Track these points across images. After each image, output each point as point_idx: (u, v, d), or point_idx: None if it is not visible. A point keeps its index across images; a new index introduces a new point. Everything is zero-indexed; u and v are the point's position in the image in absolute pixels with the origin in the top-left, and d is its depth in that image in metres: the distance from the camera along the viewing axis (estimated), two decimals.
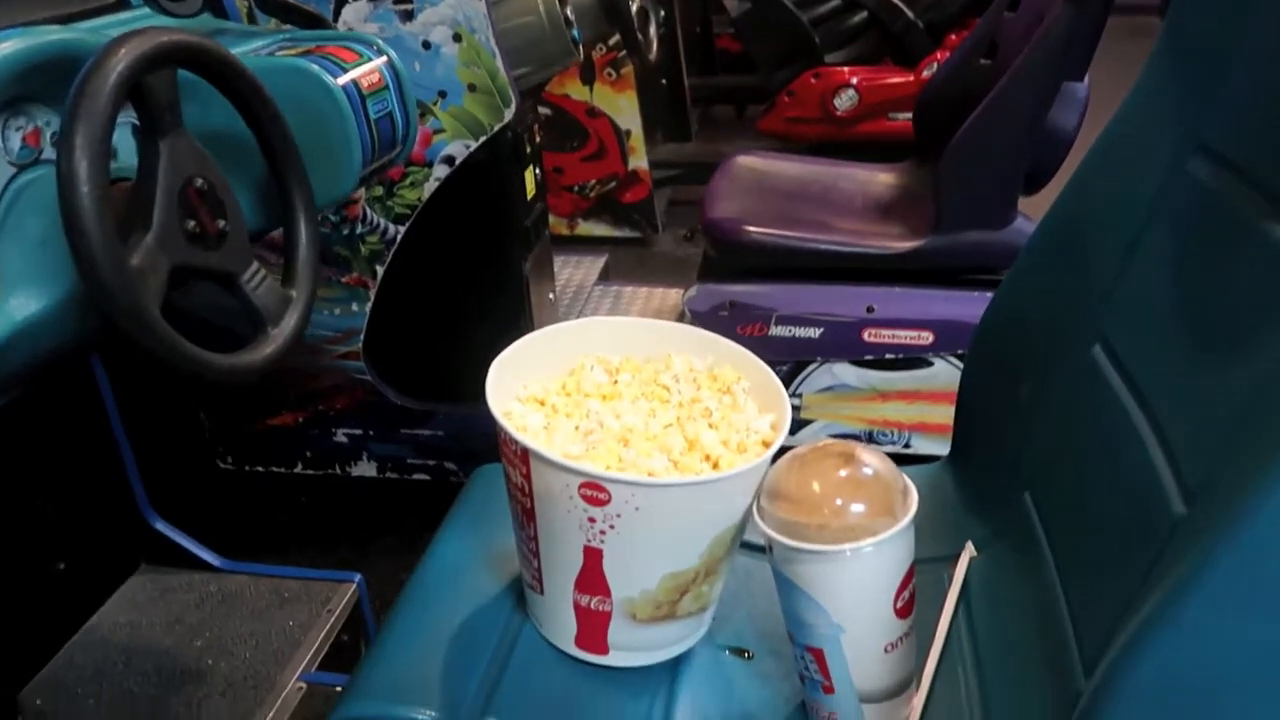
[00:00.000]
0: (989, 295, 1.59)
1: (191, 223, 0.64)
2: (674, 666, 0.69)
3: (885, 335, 1.61)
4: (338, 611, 1.20)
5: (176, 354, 0.59)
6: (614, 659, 0.67)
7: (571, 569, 0.63)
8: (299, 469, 1.75)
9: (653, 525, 0.59)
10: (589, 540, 0.61)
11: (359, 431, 1.71)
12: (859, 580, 0.59)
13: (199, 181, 0.65)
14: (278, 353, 0.71)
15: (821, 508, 0.59)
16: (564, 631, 0.67)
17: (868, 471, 0.60)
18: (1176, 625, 0.40)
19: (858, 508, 0.58)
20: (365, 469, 1.73)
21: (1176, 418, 0.52)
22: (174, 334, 0.59)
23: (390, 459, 1.72)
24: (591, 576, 0.62)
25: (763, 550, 0.64)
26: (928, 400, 1.66)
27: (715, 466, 0.62)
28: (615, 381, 0.70)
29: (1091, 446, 0.63)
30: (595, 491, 0.58)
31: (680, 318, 1.71)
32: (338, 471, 1.74)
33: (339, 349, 1.64)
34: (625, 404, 0.68)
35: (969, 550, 0.76)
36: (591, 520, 0.59)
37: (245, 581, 1.25)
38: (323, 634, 1.18)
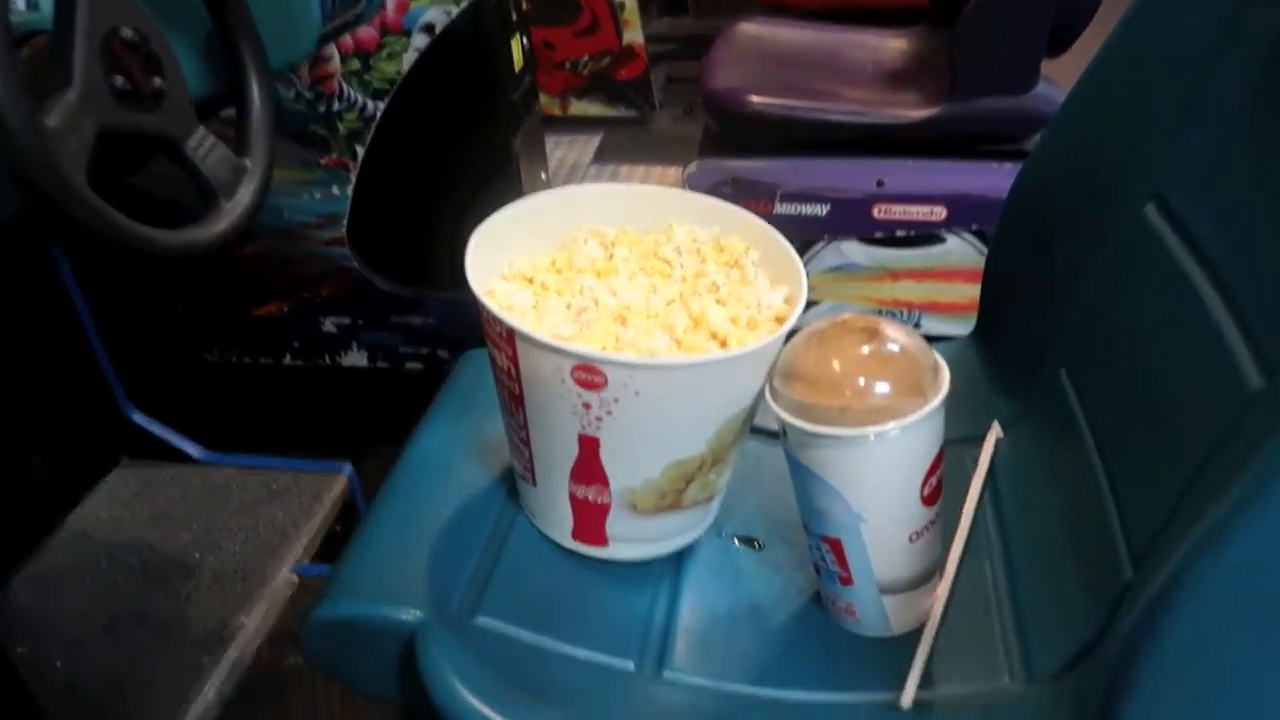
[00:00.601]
0: (1007, 166, 1.52)
1: (120, 79, 0.56)
2: (678, 558, 0.65)
3: (896, 211, 1.53)
4: (329, 503, 1.16)
5: (110, 227, 0.52)
6: (614, 551, 0.63)
7: (566, 459, 0.57)
8: (287, 360, 1.69)
9: (655, 410, 0.54)
10: (584, 428, 0.55)
11: (347, 320, 1.65)
12: (883, 466, 0.54)
13: (127, 32, 0.56)
14: (232, 228, 0.64)
15: (842, 388, 0.53)
16: (559, 524, 0.62)
17: (893, 348, 0.54)
18: (1265, 512, 0.35)
19: (882, 387, 0.52)
20: (356, 359, 1.67)
21: (1253, 281, 0.46)
22: (105, 205, 0.52)
23: (381, 348, 1.66)
24: (588, 466, 0.57)
25: (775, 435, 0.58)
26: (939, 278, 1.59)
27: (723, 345, 0.56)
28: (611, 255, 0.64)
29: (1142, 317, 0.56)
30: (589, 375, 0.52)
31: None
32: (327, 362, 1.68)
33: (322, 234, 1.56)
34: (622, 280, 0.61)
35: (995, 430, 0.71)
36: (586, 406, 0.54)
37: (231, 475, 1.21)
38: (314, 526, 1.14)
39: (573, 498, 0.60)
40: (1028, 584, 0.59)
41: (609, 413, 0.53)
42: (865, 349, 0.54)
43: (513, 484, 0.68)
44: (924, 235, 1.56)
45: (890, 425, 0.52)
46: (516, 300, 0.59)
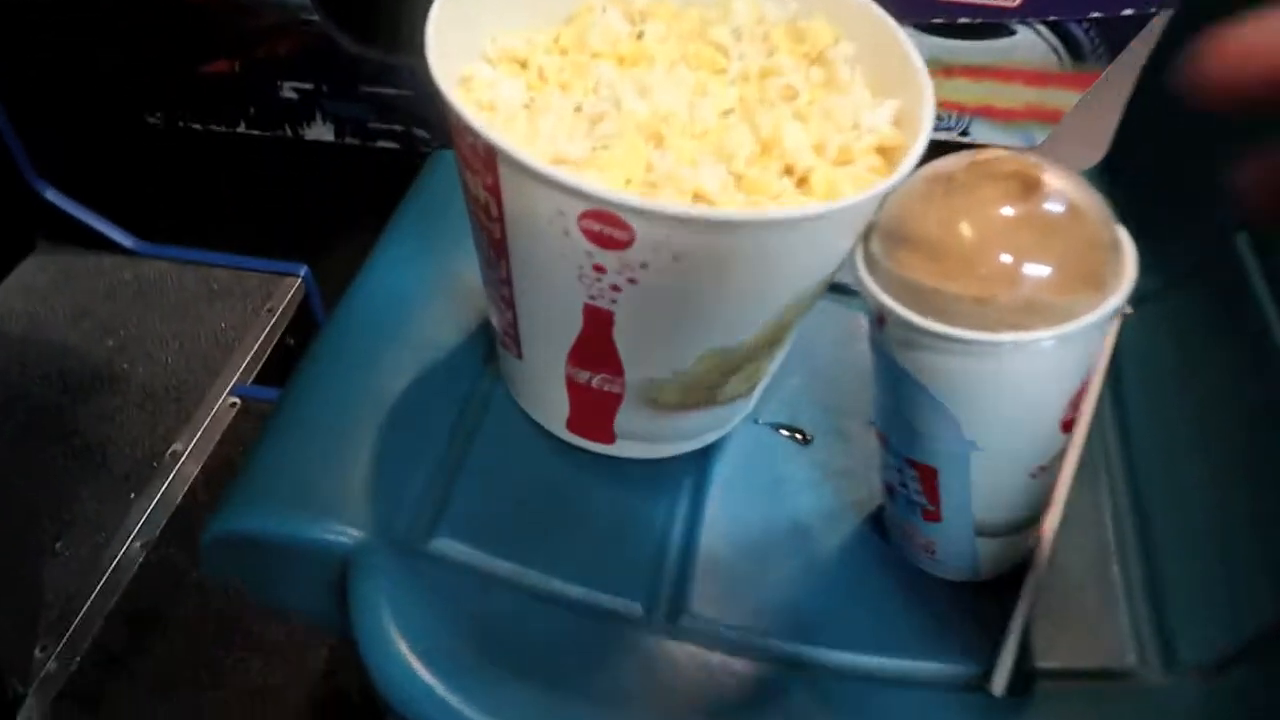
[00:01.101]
0: None
1: None
2: (701, 455, 0.50)
3: None
4: (280, 310, 1.00)
5: None
6: (621, 449, 0.47)
7: (564, 334, 0.41)
8: (242, 128, 1.47)
9: (698, 282, 0.36)
10: (593, 298, 0.38)
11: (309, 86, 1.41)
12: (1020, 386, 0.37)
13: None
14: None
15: (977, 266, 0.35)
16: (551, 409, 0.47)
17: (1058, 208, 0.36)
18: None
19: (1038, 270, 0.35)
20: (321, 132, 1.45)
21: None
22: None
23: (349, 121, 1.44)
24: (595, 348, 0.41)
25: (841, 290, 0.42)
26: (999, 78, 1.36)
27: (804, 185, 0.38)
28: (640, 35, 0.44)
29: None
30: (607, 226, 0.34)
31: None
32: (288, 134, 1.46)
33: None
34: (657, 73, 0.42)
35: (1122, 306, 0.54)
36: (599, 270, 0.36)
37: (167, 269, 1.03)
38: (261, 337, 0.98)
39: (570, 382, 0.43)
40: (1169, 534, 0.45)
41: (631, 281, 0.36)
42: (1017, 208, 0.36)
43: (491, 343, 0.51)
44: (990, 24, 1.32)
45: (1044, 333, 0.35)
46: (502, 96, 0.41)
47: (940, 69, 1.40)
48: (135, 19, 1.35)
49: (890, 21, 0.42)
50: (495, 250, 0.40)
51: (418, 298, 0.52)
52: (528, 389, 0.47)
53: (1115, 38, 1.31)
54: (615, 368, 0.41)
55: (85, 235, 1.03)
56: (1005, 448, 0.40)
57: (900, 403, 0.41)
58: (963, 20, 1.31)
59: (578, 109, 0.40)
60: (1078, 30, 1.31)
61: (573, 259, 0.36)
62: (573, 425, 0.47)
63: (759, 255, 0.36)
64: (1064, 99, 1.36)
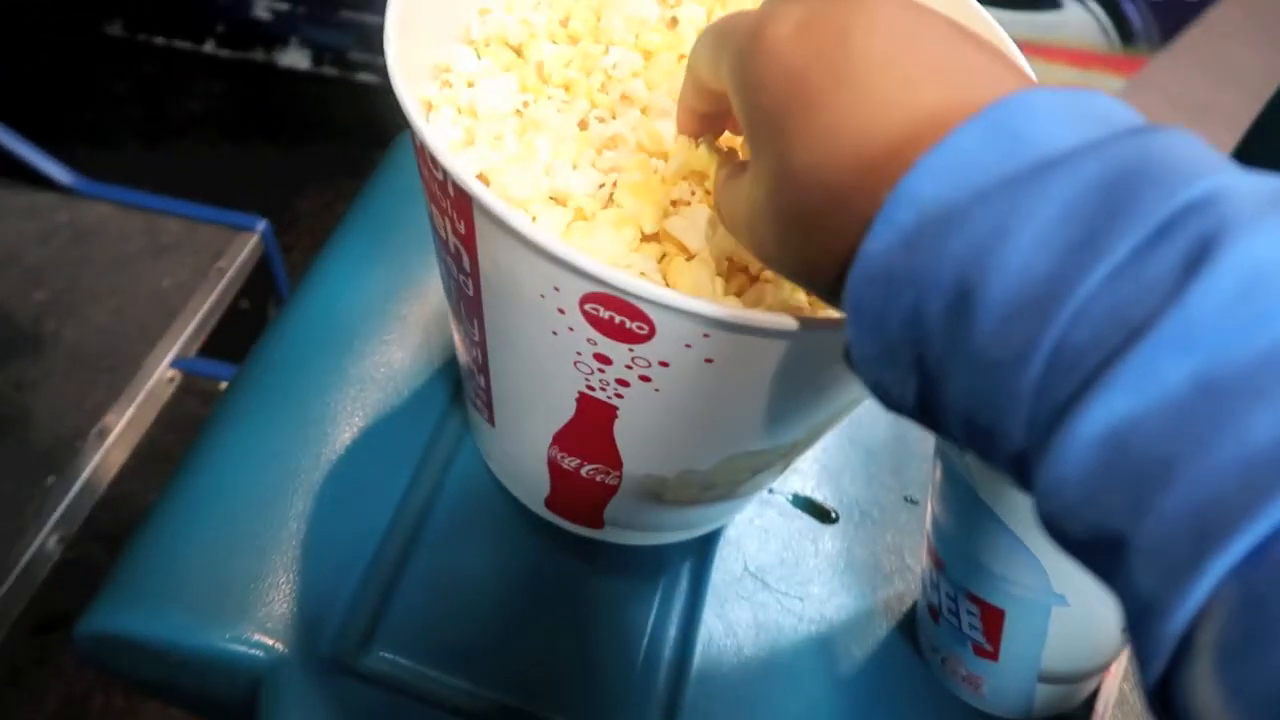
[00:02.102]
0: None
1: None
2: (702, 538, 0.41)
3: None
4: (231, 270, 0.89)
5: None
6: (610, 535, 0.39)
7: (551, 418, 0.32)
8: (209, 48, 1.34)
9: (735, 389, 0.27)
10: (591, 389, 0.29)
11: (285, 6, 1.28)
12: None
13: None
14: None
15: None
16: (526, 485, 0.38)
17: None
18: None
19: None
20: (296, 58, 1.33)
21: None
22: None
23: (328, 49, 1.31)
24: (589, 438, 0.31)
25: None
26: (1042, 55, 1.26)
27: None
28: (674, 22, 0.34)
29: None
30: (619, 314, 0.24)
31: None
32: (260, 58, 1.33)
33: None
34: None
35: None
36: (602, 361, 0.27)
37: (109, 214, 0.92)
38: (209, 301, 0.88)
39: (554, 465, 0.34)
40: None
41: (644, 379, 0.27)
42: None
43: (459, 382, 0.42)
44: None
45: None
46: (486, 98, 0.31)
47: None
48: None
49: (988, 17, 0.33)
50: (467, 307, 0.30)
51: (369, 320, 0.43)
52: (500, 458, 0.38)
53: (1169, 21, 1.20)
54: (613, 462, 0.32)
55: (18, 168, 0.92)
56: (1099, 607, 0.31)
57: (970, 533, 0.32)
58: None
59: (583, 124, 0.30)
60: (1130, 10, 1.20)
61: (569, 343, 0.27)
62: (553, 505, 0.38)
63: (824, 361, 0.26)
64: (1109, 83, 1.25)
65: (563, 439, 0.32)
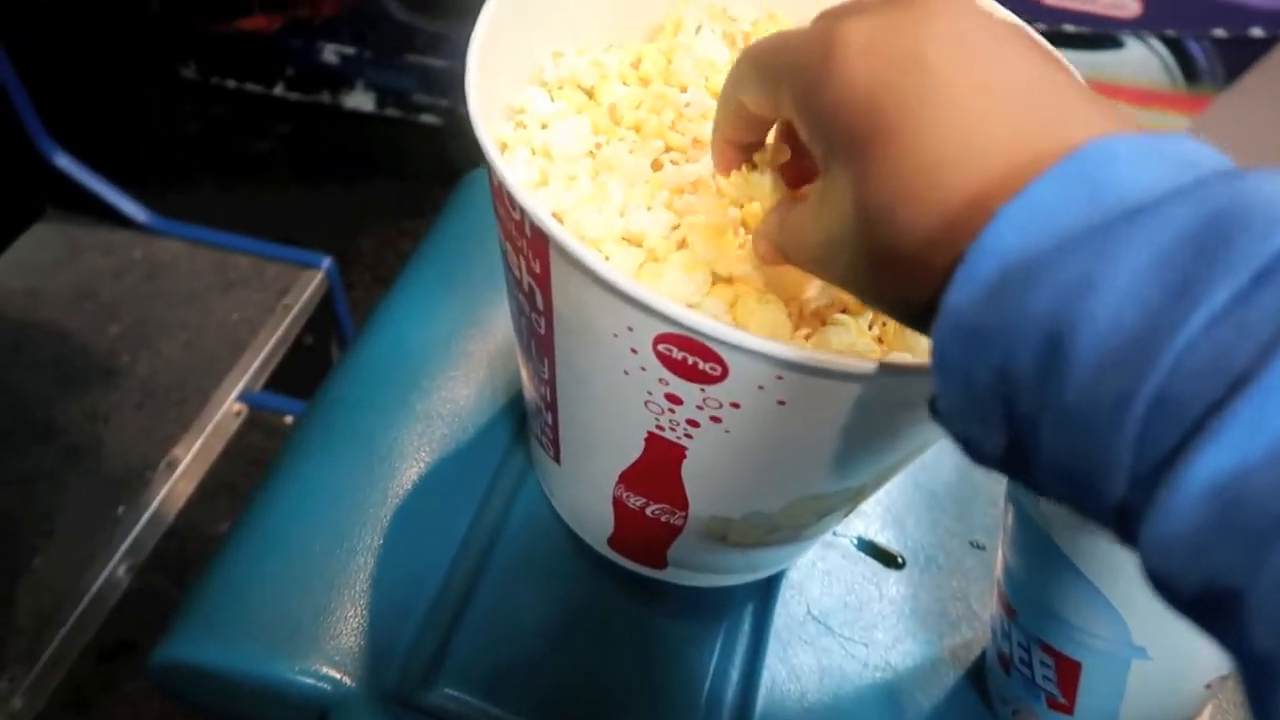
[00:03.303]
0: None
1: None
2: (767, 579, 0.41)
3: None
4: (298, 306, 0.91)
5: None
6: (672, 576, 0.38)
7: (618, 457, 0.32)
8: (279, 91, 1.39)
9: (806, 430, 0.27)
10: (661, 429, 0.29)
11: (352, 51, 1.32)
12: None
13: None
14: None
15: None
16: (590, 524, 0.38)
17: None
18: None
19: None
20: (360, 100, 1.37)
21: None
22: None
23: (392, 92, 1.35)
24: (657, 479, 0.31)
25: None
26: (1105, 94, 1.24)
27: None
28: None
29: None
30: (692, 355, 0.25)
31: None
32: (327, 100, 1.38)
33: None
34: None
35: None
36: (673, 401, 0.27)
37: (180, 251, 0.95)
38: (275, 336, 0.89)
39: (619, 504, 0.34)
40: None
41: (715, 419, 0.27)
42: None
43: (523, 418, 0.43)
44: (1098, 34, 1.20)
45: None
46: (560, 140, 0.31)
47: None
48: None
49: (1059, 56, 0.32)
50: (539, 345, 0.31)
51: (435, 357, 0.43)
52: (564, 496, 0.38)
53: (1235, 60, 1.18)
54: (679, 502, 0.32)
55: (96, 206, 0.95)
56: (1183, 661, 0.30)
57: (1045, 582, 0.31)
58: (1069, 28, 1.18)
59: (657, 165, 0.31)
60: (1195, 48, 1.18)
61: (640, 383, 0.27)
62: (616, 544, 0.38)
63: (898, 404, 0.26)
64: (1173, 122, 1.23)
65: (629, 478, 0.32)
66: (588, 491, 0.35)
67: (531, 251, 0.27)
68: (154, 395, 0.85)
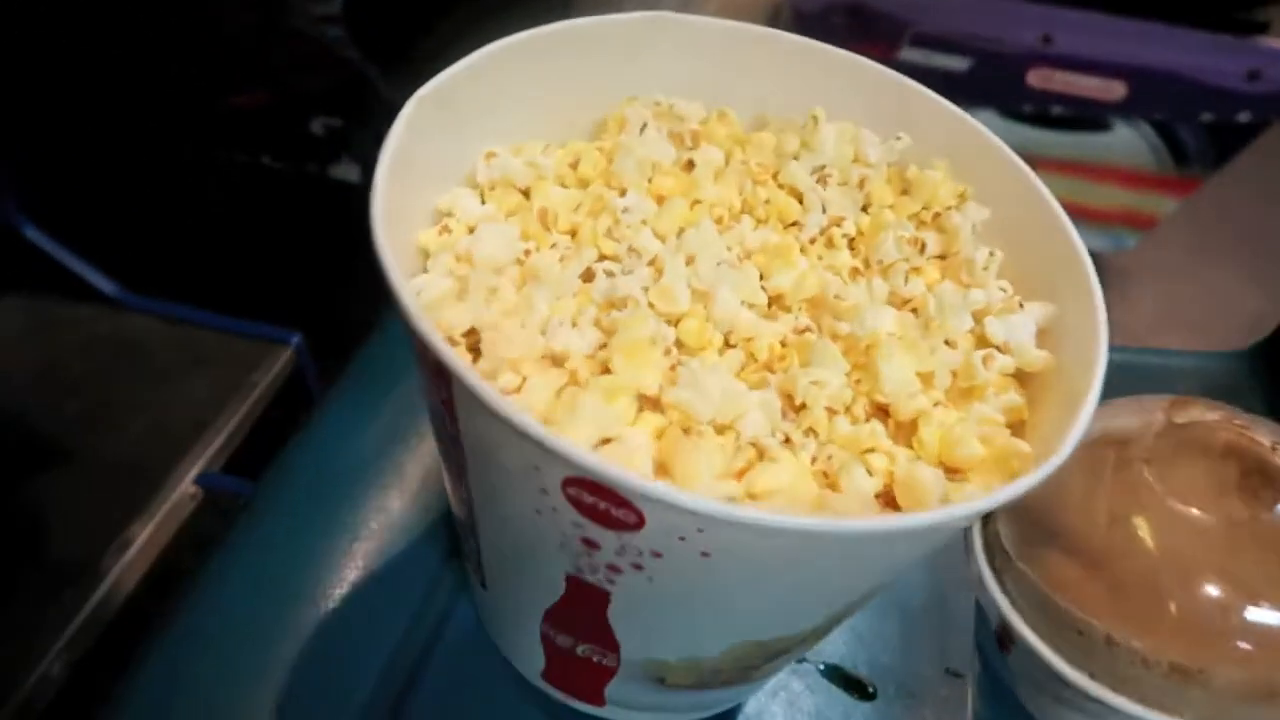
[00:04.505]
0: (1225, 40, 1.13)
1: None
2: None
3: (1059, 80, 1.16)
4: (264, 384, 0.89)
5: None
6: (614, 713, 0.35)
7: (540, 595, 0.29)
8: (267, 160, 1.38)
9: (735, 582, 0.24)
10: (580, 571, 0.26)
11: (338, 123, 1.32)
12: None
13: None
14: None
15: (1174, 605, 0.23)
16: (523, 656, 0.35)
17: None
18: None
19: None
20: (346, 172, 1.36)
21: None
22: None
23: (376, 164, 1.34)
24: (582, 620, 0.28)
25: None
26: (1091, 176, 1.23)
27: (902, 431, 0.26)
28: (689, 163, 0.32)
29: None
30: (605, 502, 0.22)
31: (775, 20, 1.24)
32: (313, 170, 1.37)
33: (315, 8, 1.22)
34: (704, 225, 0.30)
35: None
36: (590, 545, 0.24)
37: (151, 327, 0.92)
38: (240, 412, 0.87)
39: (547, 640, 0.31)
40: None
41: (637, 566, 0.24)
42: (1239, 510, 0.23)
43: (457, 538, 0.40)
44: (1086, 116, 1.19)
45: None
46: (482, 244, 0.29)
47: (1026, 160, 1.28)
48: (158, 43, 1.27)
49: (1040, 185, 0.30)
50: (454, 470, 0.28)
51: (368, 467, 0.41)
52: (494, 623, 0.35)
53: (1225, 144, 1.17)
54: (609, 644, 0.29)
55: (66, 279, 0.94)
56: None
57: None
58: (1056, 110, 1.18)
59: (589, 275, 0.28)
60: (1184, 131, 1.18)
61: (554, 523, 0.24)
62: (550, 678, 0.34)
63: (833, 561, 0.23)
64: (1161, 204, 1.22)
65: (553, 617, 0.29)
66: (516, 623, 0.32)
67: (435, 377, 0.24)
68: (114, 474, 0.82)
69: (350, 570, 0.38)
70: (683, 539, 0.22)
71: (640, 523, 0.22)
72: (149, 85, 1.30)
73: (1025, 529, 0.25)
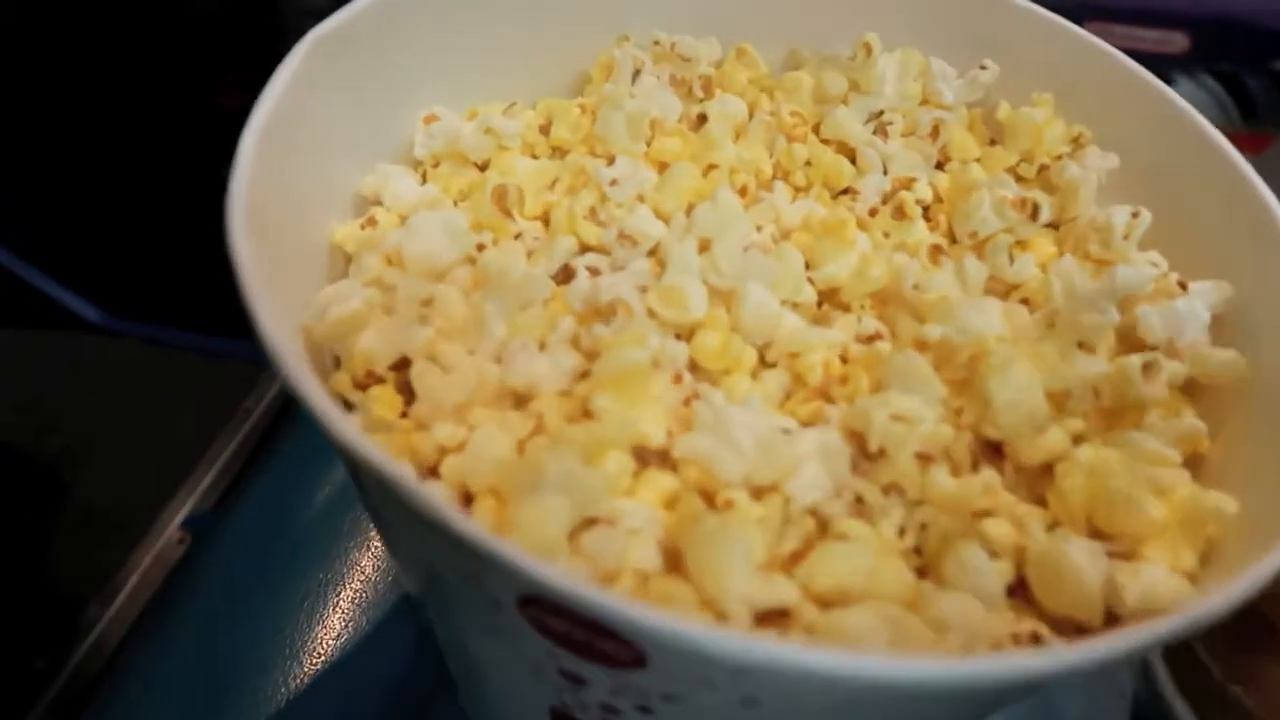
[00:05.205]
0: None
1: None
2: None
3: (1117, 33, 1.05)
4: (258, 411, 0.81)
5: None
6: None
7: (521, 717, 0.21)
8: None
9: None
10: (568, 706, 0.18)
11: None
12: None
13: None
14: None
15: None
16: None
17: None
18: None
19: None
20: None
21: None
22: None
23: None
24: None
25: None
26: None
27: (1032, 479, 0.17)
28: (701, 118, 0.24)
29: None
30: (579, 630, 0.14)
31: None
32: None
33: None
34: (723, 204, 0.21)
35: None
36: (576, 683, 0.16)
37: (134, 352, 0.85)
38: (229, 450, 0.79)
39: None
40: None
41: (643, 709, 0.16)
42: None
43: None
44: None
45: None
46: (417, 241, 0.21)
47: None
48: (134, 37, 1.21)
49: (1197, 117, 0.22)
50: (391, 555, 0.20)
51: (331, 521, 0.33)
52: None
53: None
54: None
55: (44, 306, 0.87)
56: None
57: None
58: None
59: (565, 275, 0.20)
60: (1252, 84, 1.07)
61: (518, 649, 0.16)
62: None
63: (943, 707, 0.15)
64: None
65: None
66: None
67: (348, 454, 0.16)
68: (92, 518, 0.75)
69: (320, 640, 0.30)
70: (709, 683, 0.14)
71: (639, 660, 0.14)
72: (125, 85, 1.24)
73: (1236, 633, 0.17)
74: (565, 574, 0.12)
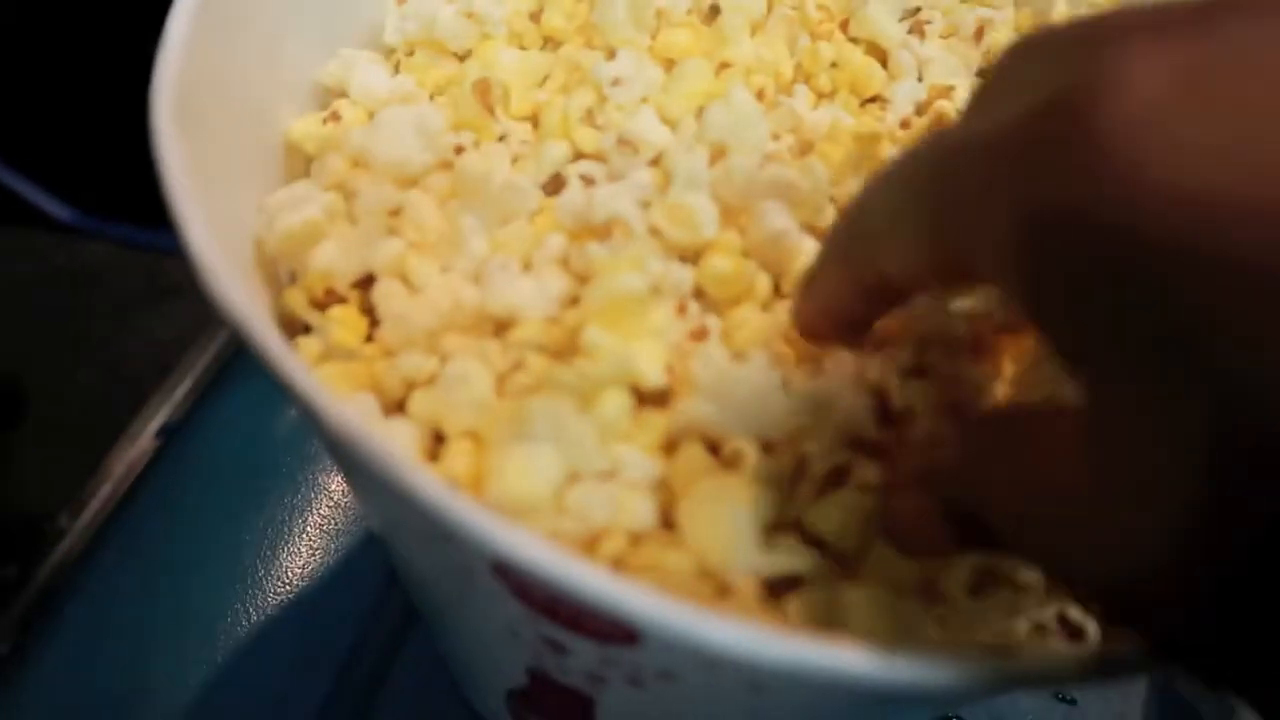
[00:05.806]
0: None
1: None
2: None
3: None
4: None
5: None
6: None
7: (501, 676, 0.19)
8: None
9: (778, 713, 0.14)
10: (547, 671, 0.16)
11: None
12: None
13: None
14: None
15: None
16: (492, 707, 0.25)
17: None
18: None
19: None
20: None
21: None
22: None
23: None
24: (559, 713, 0.19)
25: None
26: None
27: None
28: (715, 10, 0.21)
29: None
30: (567, 603, 0.12)
31: None
32: None
33: None
34: (737, 101, 0.19)
35: None
36: (556, 650, 0.14)
37: (109, 256, 0.82)
38: (208, 355, 0.77)
39: (516, 715, 0.22)
40: None
41: (634, 682, 0.14)
42: None
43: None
44: None
45: None
46: (385, 142, 0.18)
47: None
48: None
49: None
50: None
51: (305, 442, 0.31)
52: (455, 663, 0.26)
53: None
54: None
55: (15, 205, 0.83)
56: None
57: None
58: None
59: (555, 186, 0.18)
60: None
61: (493, 608, 0.14)
62: None
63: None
64: None
65: (522, 702, 0.20)
66: (480, 687, 0.23)
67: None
68: (63, 425, 0.72)
69: (286, 566, 0.29)
70: (711, 665, 0.12)
71: (630, 637, 0.12)
72: None
73: None
74: (545, 548, 0.10)
